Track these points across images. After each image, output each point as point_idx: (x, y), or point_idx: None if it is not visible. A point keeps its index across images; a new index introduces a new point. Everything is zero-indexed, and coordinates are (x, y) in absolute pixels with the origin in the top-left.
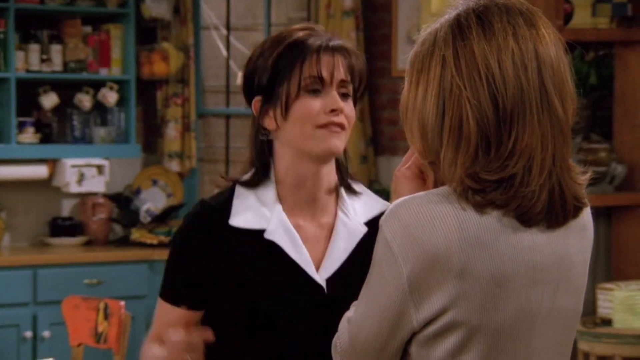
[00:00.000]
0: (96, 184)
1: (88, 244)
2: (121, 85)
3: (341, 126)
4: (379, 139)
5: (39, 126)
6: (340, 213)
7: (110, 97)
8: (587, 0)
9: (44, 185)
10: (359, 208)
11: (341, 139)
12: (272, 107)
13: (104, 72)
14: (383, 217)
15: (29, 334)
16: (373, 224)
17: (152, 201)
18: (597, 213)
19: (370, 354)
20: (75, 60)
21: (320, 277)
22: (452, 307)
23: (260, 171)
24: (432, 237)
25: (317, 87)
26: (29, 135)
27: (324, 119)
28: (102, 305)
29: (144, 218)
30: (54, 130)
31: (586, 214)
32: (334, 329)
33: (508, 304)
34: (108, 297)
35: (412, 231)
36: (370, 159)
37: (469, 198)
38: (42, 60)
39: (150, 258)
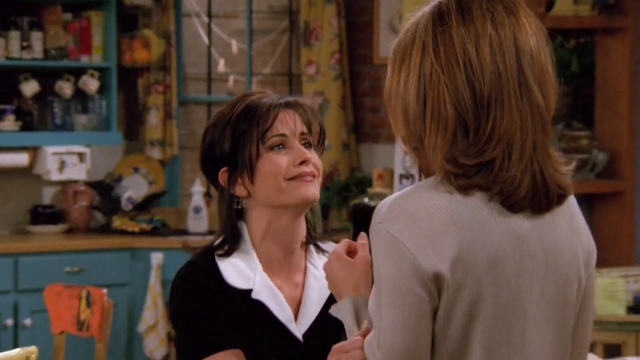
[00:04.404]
0: (77, 172)
1: (69, 231)
2: (102, 72)
3: (312, 175)
4: (360, 126)
5: (20, 114)
6: (310, 266)
7: (91, 84)
8: None
9: (25, 173)
10: (325, 259)
11: (315, 186)
12: (239, 174)
13: (84, 60)
14: (379, 219)
15: (9, 321)
16: None
17: (134, 189)
18: (578, 200)
19: (411, 357)
20: (56, 47)
21: (299, 332)
22: (454, 293)
23: (230, 239)
24: (431, 223)
25: (280, 142)
26: (10, 122)
27: (294, 171)
28: (84, 293)
29: (126, 206)
30: (35, 118)
31: (572, 202)
32: None
33: (501, 291)
34: (89, 285)
35: (415, 222)
36: (352, 147)
37: (451, 182)
38: (23, 48)
39: (132, 246)
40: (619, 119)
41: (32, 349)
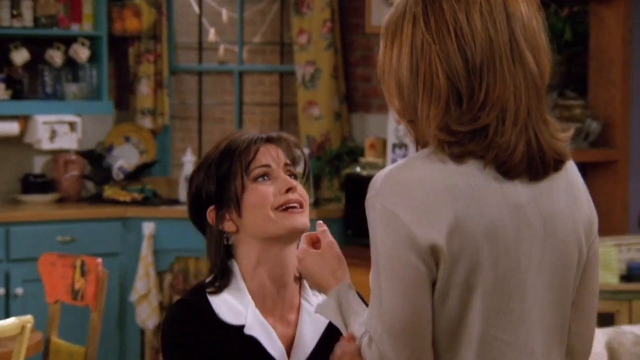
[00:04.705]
0: (68, 141)
1: (60, 201)
2: (93, 41)
3: (299, 203)
4: (352, 96)
5: (10, 82)
6: (304, 302)
7: (81, 53)
8: None
9: (16, 142)
10: (321, 297)
11: (303, 216)
12: (227, 210)
13: (75, 28)
14: (373, 192)
15: (1, 291)
16: None
17: (125, 158)
18: None
19: (413, 328)
20: (46, 15)
21: None
22: (451, 263)
23: (221, 276)
24: (425, 194)
25: (264, 173)
26: (0, 91)
27: (280, 199)
28: (78, 263)
29: (117, 175)
30: (25, 87)
31: (572, 170)
32: None
33: (499, 260)
34: (81, 255)
35: (410, 194)
36: (343, 116)
37: (445, 150)
38: (13, 16)
39: (124, 215)
40: (612, 87)
41: (28, 318)
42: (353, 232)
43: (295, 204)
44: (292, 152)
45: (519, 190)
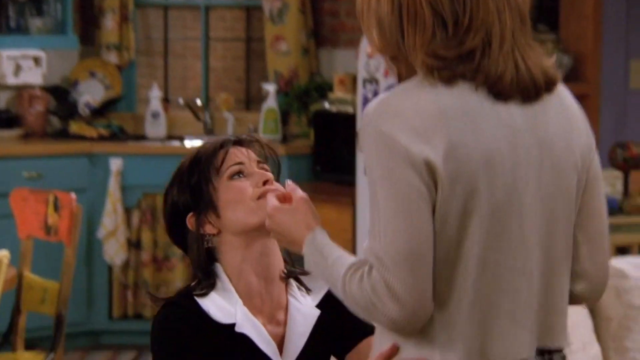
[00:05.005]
0: (33, 76)
1: (25, 136)
2: None
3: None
4: (320, 30)
5: None
6: (291, 299)
7: None
8: None
9: None
10: (308, 295)
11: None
12: (205, 213)
13: None
14: (367, 121)
15: None
16: (324, 304)
17: (90, 93)
18: None
19: (417, 252)
20: None
21: None
22: (449, 187)
23: (205, 280)
24: (420, 118)
25: (239, 170)
26: None
27: (259, 190)
28: (51, 198)
29: (83, 110)
30: None
31: (566, 95)
32: None
33: (496, 185)
34: (53, 189)
35: (404, 119)
36: (311, 52)
37: (435, 75)
38: None
39: (90, 151)
40: (584, 21)
41: (4, 253)
42: (322, 169)
43: (275, 191)
44: (263, 152)
45: (513, 113)
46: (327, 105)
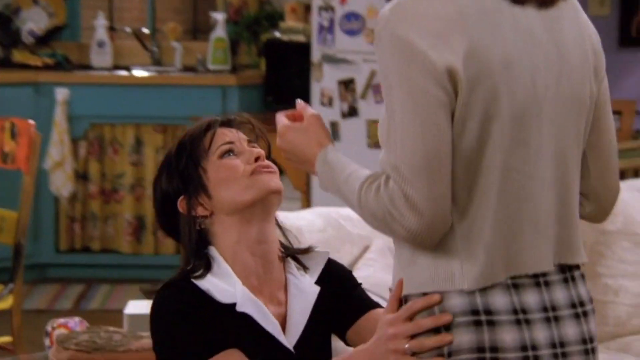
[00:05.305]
0: None
1: None
2: None
3: (270, 167)
4: None
5: None
6: (290, 277)
7: None
8: None
9: None
10: (306, 272)
11: (277, 177)
12: (196, 194)
13: None
14: (382, 25)
15: None
16: (323, 280)
17: (34, 21)
18: None
19: (435, 160)
20: None
21: (289, 343)
22: (469, 91)
23: (200, 263)
24: (438, 20)
25: (229, 149)
26: None
27: (251, 167)
28: (7, 125)
29: (27, 38)
30: None
31: (577, 6)
32: None
33: (517, 88)
34: (10, 117)
35: (422, 21)
36: None
37: None
38: None
39: (35, 80)
40: None
41: None
42: (274, 99)
43: (268, 167)
44: (253, 132)
45: (530, 16)
46: (278, 34)
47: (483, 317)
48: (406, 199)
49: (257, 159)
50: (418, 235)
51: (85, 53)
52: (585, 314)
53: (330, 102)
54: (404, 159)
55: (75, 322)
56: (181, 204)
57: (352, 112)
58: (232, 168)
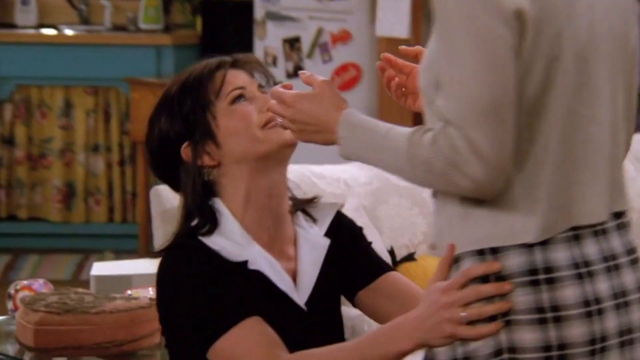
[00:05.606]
0: None
1: None
2: None
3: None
4: None
5: None
6: (299, 230)
7: None
8: None
9: None
10: (315, 224)
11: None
12: (202, 142)
13: None
14: None
15: None
16: (332, 233)
17: None
18: None
19: (501, 104)
20: None
21: (300, 300)
22: (535, 31)
23: (205, 218)
24: None
25: (241, 94)
26: None
27: (264, 117)
28: None
29: None
30: None
31: None
32: (316, 344)
33: (578, 26)
34: None
35: None
36: None
37: None
38: None
39: None
40: None
41: None
42: None
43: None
44: (264, 73)
45: None
46: None
47: (541, 276)
48: (471, 145)
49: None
50: (482, 185)
51: (8, 10)
52: (637, 260)
53: (274, 62)
54: (468, 104)
55: (39, 284)
56: (185, 152)
57: (297, 71)
58: (245, 116)
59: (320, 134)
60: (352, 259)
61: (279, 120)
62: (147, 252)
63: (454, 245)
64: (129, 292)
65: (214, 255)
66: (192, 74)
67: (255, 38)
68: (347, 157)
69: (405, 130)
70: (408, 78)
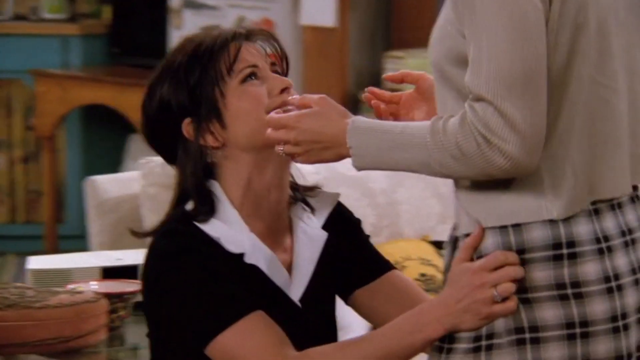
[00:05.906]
0: None
1: None
2: None
3: (297, 106)
4: None
5: None
6: (296, 220)
7: None
8: None
9: None
10: (313, 215)
11: None
12: (207, 120)
13: None
14: None
15: None
16: (331, 225)
17: None
18: None
19: (534, 75)
20: None
21: (295, 296)
22: (561, 3)
23: (203, 202)
24: None
25: (252, 73)
26: None
27: (276, 101)
28: None
29: None
30: None
31: None
32: (308, 343)
33: None
34: None
35: None
36: None
37: None
38: None
39: None
40: None
41: None
42: (121, 50)
43: (293, 107)
44: (277, 49)
45: None
46: None
47: (565, 251)
48: (505, 119)
49: (283, 90)
50: (520, 162)
51: None
52: None
53: None
54: (500, 75)
55: None
56: (187, 128)
57: None
58: (256, 98)
59: (330, 150)
60: (350, 255)
61: (280, 148)
62: (56, 253)
63: (482, 230)
64: (71, 286)
65: (212, 244)
66: (203, 43)
67: (170, 27)
68: (362, 167)
69: (423, 123)
70: (399, 105)
